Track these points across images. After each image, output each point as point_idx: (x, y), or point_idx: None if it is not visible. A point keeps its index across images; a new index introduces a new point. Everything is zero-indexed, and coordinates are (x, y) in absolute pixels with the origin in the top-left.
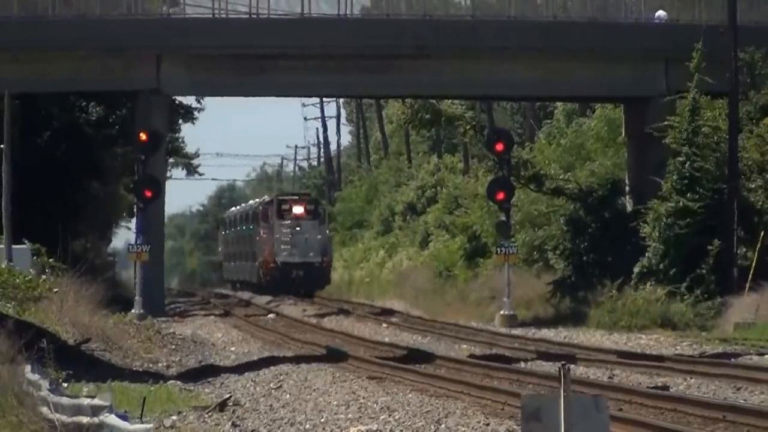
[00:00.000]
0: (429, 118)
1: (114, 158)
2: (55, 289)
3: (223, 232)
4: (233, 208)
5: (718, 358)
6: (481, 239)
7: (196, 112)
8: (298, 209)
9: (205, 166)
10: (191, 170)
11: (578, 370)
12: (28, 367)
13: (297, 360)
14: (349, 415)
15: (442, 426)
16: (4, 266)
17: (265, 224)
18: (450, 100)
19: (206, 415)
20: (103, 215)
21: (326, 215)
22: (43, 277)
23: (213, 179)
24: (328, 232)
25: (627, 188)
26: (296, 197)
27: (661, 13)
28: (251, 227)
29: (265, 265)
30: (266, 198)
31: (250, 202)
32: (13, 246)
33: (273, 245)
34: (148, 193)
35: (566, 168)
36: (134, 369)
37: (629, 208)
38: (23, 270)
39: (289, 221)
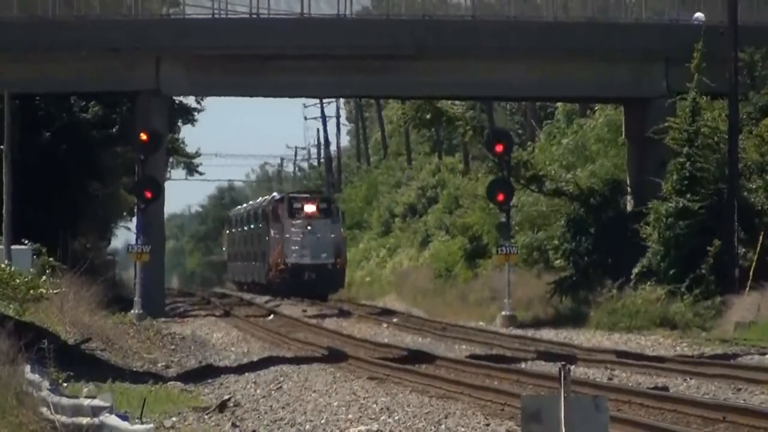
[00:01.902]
0: (430, 118)
1: (114, 158)
2: (56, 291)
3: (228, 231)
4: (240, 206)
5: (718, 358)
6: (481, 240)
7: (195, 114)
8: (310, 208)
9: (205, 166)
10: (192, 170)
11: (578, 371)
12: (28, 368)
13: (297, 360)
14: (350, 416)
15: (443, 426)
16: (4, 266)
17: (276, 223)
18: (450, 101)
19: (206, 416)
20: (103, 215)
21: (340, 214)
22: (44, 277)
23: (212, 180)
24: (342, 231)
25: (627, 189)
26: (308, 195)
27: (699, 15)
28: (260, 226)
29: (275, 267)
30: (276, 196)
31: (259, 199)
32: (14, 246)
33: (283, 245)
34: (148, 194)
35: (567, 168)
36: (134, 369)
37: (629, 208)
38: (23, 270)
39: (300, 220)
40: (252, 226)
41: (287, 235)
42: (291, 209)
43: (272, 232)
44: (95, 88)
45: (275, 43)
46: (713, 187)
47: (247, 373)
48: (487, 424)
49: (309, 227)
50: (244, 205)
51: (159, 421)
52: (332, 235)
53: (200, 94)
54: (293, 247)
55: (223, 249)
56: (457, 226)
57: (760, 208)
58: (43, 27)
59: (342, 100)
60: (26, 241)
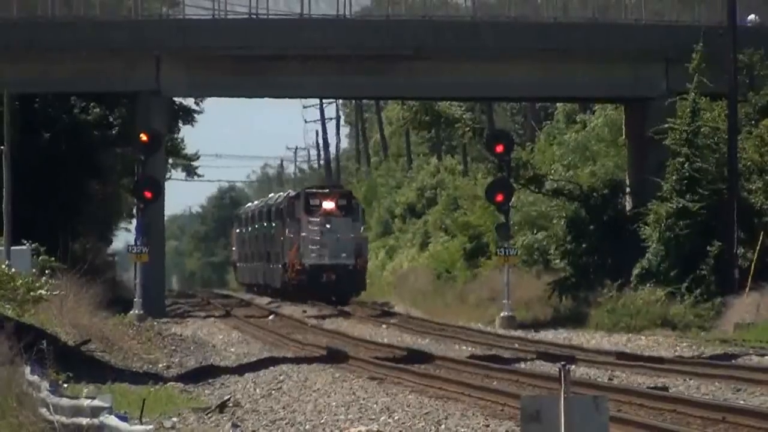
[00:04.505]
0: (429, 120)
1: (114, 159)
2: (56, 292)
3: (237, 230)
4: (251, 203)
5: (717, 359)
6: (481, 240)
7: (195, 115)
8: (328, 204)
9: (205, 168)
10: (191, 172)
11: (578, 371)
12: (27, 369)
13: (297, 361)
14: (349, 416)
15: (442, 427)
16: (4, 267)
17: (291, 221)
18: (449, 102)
19: (206, 417)
20: (104, 216)
21: (360, 211)
22: (44, 279)
23: (212, 181)
24: (363, 229)
25: (627, 189)
26: (327, 191)
27: (751, 17)
28: (274, 225)
29: (291, 268)
30: (291, 192)
31: (271, 195)
32: (13, 247)
33: (300, 245)
34: (148, 194)
35: (569, 167)
36: (134, 370)
37: (629, 208)
38: (23, 271)
39: (318, 218)
40: (265, 225)
41: (304, 234)
42: (308, 206)
43: (288, 230)
44: (95, 88)
45: (275, 43)
46: (713, 188)
47: (247, 374)
48: (487, 425)
49: (328, 225)
50: (255, 202)
51: (159, 421)
52: (352, 234)
53: (200, 94)
54: (311, 247)
55: (232, 249)
56: (457, 224)
57: (759, 208)
58: (43, 27)
59: (342, 102)
60: (26, 242)
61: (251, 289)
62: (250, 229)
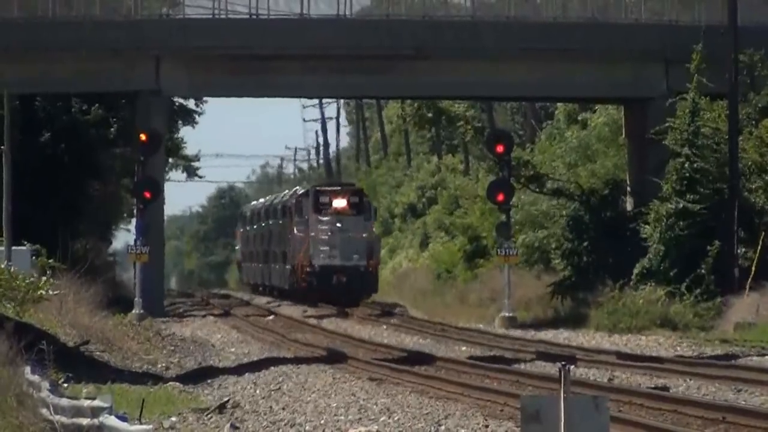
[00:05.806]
0: (430, 117)
1: (114, 159)
2: (56, 292)
3: (242, 229)
4: (255, 201)
5: (718, 359)
6: (481, 240)
7: (196, 116)
8: (339, 202)
9: (205, 168)
10: (191, 172)
11: (578, 372)
12: (27, 369)
13: (297, 361)
14: (349, 417)
15: (442, 427)
16: (3, 267)
17: (300, 220)
18: (451, 100)
19: (205, 417)
20: (103, 216)
21: (372, 209)
22: (44, 278)
23: (212, 181)
24: (374, 229)
25: (628, 189)
26: (337, 188)
27: None
28: (281, 223)
29: (300, 269)
30: (299, 189)
31: (278, 193)
32: (13, 247)
33: (309, 245)
34: (148, 194)
35: (570, 166)
36: (134, 370)
37: (630, 208)
38: (23, 271)
39: (328, 217)
40: (271, 223)
41: (313, 234)
42: (317, 204)
43: (296, 230)
44: (95, 88)
45: (275, 43)
46: (713, 188)
47: (246, 374)
48: (487, 425)
49: (339, 224)
50: (262, 199)
51: (158, 421)
52: (364, 234)
53: (200, 94)
54: (321, 247)
55: (237, 248)
56: (456, 226)
57: (760, 208)
58: (43, 27)
59: (342, 101)
60: (25, 242)
61: (256, 289)
62: (256, 227)
